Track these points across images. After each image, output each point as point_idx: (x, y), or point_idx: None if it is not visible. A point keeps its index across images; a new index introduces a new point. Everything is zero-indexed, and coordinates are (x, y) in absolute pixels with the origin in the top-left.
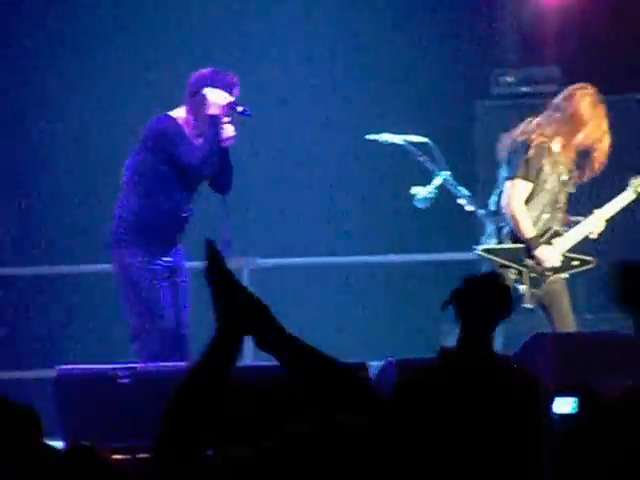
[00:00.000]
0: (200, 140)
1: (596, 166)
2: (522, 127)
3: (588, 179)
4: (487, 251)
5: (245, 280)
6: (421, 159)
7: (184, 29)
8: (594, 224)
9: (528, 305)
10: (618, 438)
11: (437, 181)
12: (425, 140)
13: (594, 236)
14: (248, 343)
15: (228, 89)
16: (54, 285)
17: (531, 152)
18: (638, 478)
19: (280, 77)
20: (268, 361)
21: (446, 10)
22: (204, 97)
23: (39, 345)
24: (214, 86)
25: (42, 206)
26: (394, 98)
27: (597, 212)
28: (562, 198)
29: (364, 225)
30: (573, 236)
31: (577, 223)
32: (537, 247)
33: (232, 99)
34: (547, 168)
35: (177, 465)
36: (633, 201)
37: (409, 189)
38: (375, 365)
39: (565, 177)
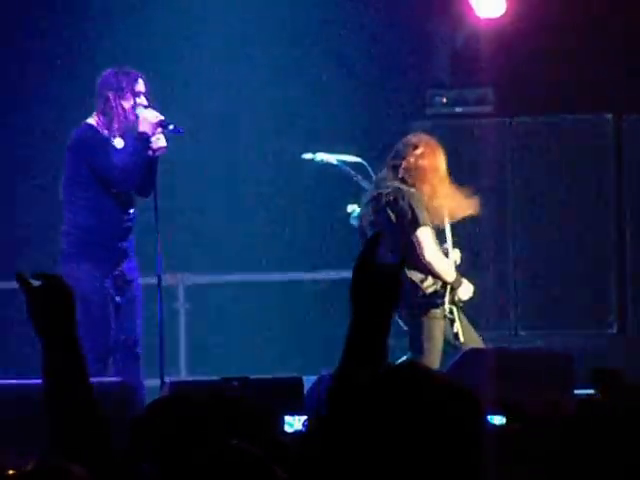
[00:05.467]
0: (120, 141)
1: None
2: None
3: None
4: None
5: (180, 296)
6: (355, 178)
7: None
8: (454, 252)
9: (462, 339)
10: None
11: None
12: (358, 160)
13: (458, 262)
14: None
15: (133, 85)
16: None
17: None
18: None
19: (216, 91)
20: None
21: (381, 31)
22: (108, 99)
23: None
24: (119, 86)
25: None
26: (330, 117)
27: (449, 241)
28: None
29: (302, 242)
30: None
31: (446, 252)
32: (460, 285)
33: (162, 117)
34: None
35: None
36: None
37: (345, 207)
38: (312, 380)
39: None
